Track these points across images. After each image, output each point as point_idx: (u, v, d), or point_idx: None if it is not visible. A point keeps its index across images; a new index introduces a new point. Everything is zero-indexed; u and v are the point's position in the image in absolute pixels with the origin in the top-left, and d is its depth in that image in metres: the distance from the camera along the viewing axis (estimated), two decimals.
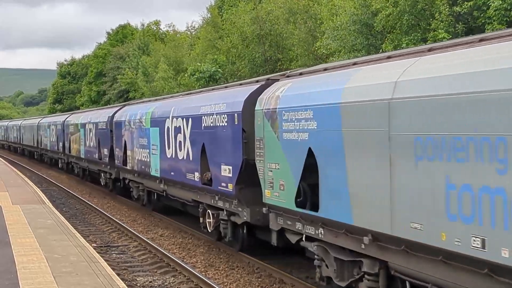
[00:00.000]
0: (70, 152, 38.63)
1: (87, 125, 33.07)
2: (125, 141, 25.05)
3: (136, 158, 23.33)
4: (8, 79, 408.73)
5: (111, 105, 40.20)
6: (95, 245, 17.36)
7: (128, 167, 24.70)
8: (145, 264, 15.61)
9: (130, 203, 26.57)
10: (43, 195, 25.22)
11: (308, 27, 37.63)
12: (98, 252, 14.51)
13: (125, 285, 10.98)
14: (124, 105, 29.36)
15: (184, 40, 63.89)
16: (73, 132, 37.58)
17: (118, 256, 16.68)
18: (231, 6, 52.36)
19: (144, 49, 69.97)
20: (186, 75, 46.84)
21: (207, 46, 50.96)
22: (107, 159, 28.33)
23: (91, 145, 31.78)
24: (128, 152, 24.55)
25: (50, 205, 22.19)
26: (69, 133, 38.68)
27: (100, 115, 31.16)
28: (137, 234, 19.11)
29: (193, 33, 65.02)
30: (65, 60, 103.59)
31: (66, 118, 41.56)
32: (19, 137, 69.41)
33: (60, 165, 44.59)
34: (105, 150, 28.68)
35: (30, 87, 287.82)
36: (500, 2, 23.49)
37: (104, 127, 28.79)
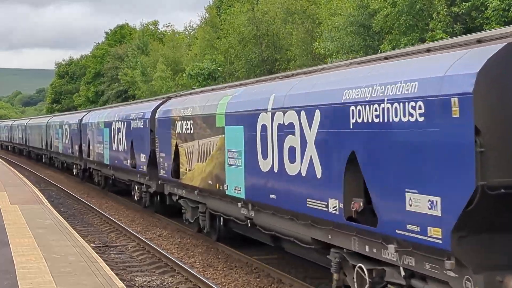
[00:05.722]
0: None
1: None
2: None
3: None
4: (6, 79, 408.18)
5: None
6: (93, 245, 17.36)
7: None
8: (144, 264, 15.62)
9: (129, 203, 26.63)
10: (41, 195, 25.21)
11: (305, 27, 37.63)
12: (96, 252, 14.53)
13: (123, 285, 11.00)
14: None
15: (182, 40, 63.83)
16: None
17: (116, 256, 16.70)
18: (229, 6, 52.32)
19: (143, 49, 69.91)
20: (184, 74, 46.83)
21: (205, 46, 50.92)
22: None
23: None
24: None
25: (49, 205, 22.19)
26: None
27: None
28: (135, 234, 19.13)
29: (191, 33, 64.96)
30: (63, 60, 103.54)
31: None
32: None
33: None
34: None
35: (29, 87, 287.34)
36: (498, 2, 23.53)
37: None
